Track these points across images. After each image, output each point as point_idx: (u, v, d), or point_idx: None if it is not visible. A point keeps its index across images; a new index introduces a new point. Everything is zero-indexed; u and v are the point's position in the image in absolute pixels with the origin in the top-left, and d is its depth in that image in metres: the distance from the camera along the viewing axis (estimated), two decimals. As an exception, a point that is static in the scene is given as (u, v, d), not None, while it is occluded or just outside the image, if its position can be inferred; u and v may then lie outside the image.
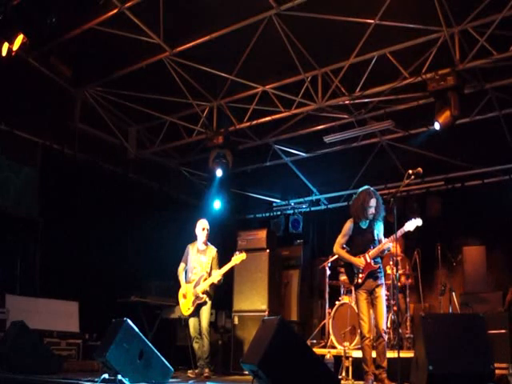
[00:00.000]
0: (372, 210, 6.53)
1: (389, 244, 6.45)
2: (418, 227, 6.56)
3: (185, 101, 9.71)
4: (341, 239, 6.74)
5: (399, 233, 6.49)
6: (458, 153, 10.07)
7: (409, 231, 6.56)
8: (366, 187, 6.72)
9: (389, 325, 8.34)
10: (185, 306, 7.96)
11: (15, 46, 7.33)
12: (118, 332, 6.17)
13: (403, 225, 6.54)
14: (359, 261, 6.51)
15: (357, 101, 9.02)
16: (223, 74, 9.11)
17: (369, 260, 6.49)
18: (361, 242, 6.61)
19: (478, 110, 8.99)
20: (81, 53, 8.67)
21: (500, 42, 7.43)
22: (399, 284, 9.04)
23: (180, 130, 10.59)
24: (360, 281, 6.50)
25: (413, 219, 6.56)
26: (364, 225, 6.64)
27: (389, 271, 8.63)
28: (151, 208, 10.87)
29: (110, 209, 9.92)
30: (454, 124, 7.93)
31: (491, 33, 7.36)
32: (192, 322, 7.96)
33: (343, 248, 6.75)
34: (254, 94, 9.52)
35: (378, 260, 6.57)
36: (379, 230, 6.65)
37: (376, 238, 6.60)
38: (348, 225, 6.71)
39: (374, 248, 6.53)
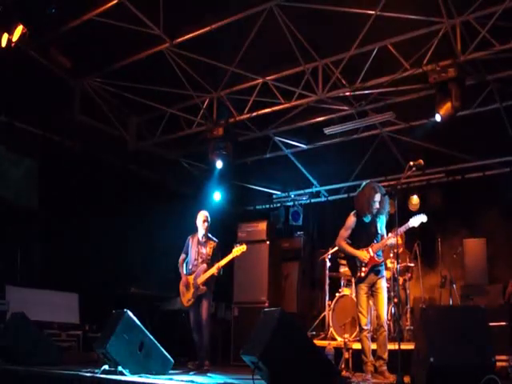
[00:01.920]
0: (377, 205, 6.52)
1: (392, 239, 6.44)
2: (419, 220, 6.59)
3: (185, 92, 9.68)
4: (344, 233, 6.73)
5: (403, 228, 6.50)
6: (458, 145, 10.05)
7: (413, 227, 6.58)
8: (369, 181, 6.71)
9: (389, 317, 8.35)
10: (185, 298, 7.96)
11: (15, 37, 7.30)
12: (118, 323, 6.19)
13: (407, 221, 6.55)
14: (363, 254, 6.51)
15: (357, 92, 8.99)
16: (223, 66, 9.08)
17: (372, 254, 6.49)
18: (364, 235, 6.61)
19: (479, 101, 8.97)
20: (80, 44, 8.61)
21: (502, 34, 7.39)
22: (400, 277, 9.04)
23: (180, 122, 10.56)
24: (363, 275, 6.50)
25: (417, 215, 6.57)
26: (367, 219, 6.63)
27: (389, 264, 8.62)
28: (151, 200, 10.86)
29: (109, 200, 9.91)
30: (455, 116, 7.92)
31: (493, 24, 7.32)
32: (192, 313, 7.97)
33: (345, 241, 6.75)
34: (254, 86, 9.48)
35: (380, 254, 6.57)
36: (382, 224, 6.65)
37: (379, 232, 6.59)
38: (351, 218, 6.69)
39: (376, 242, 6.53)
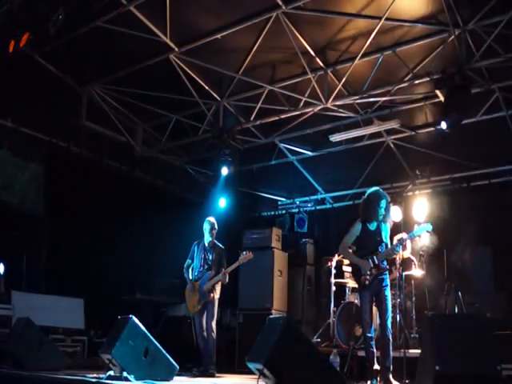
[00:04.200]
0: (382, 212, 6.53)
1: (397, 247, 6.44)
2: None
3: (191, 99, 9.70)
4: (347, 239, 6.71)
5: (409, 237, 6.50)
6: (464, 153, 10.03)
7: (418, 235, 6.58)
8: (375, 188, 6.71)
9: (394, 324, 8.32)
10: (191, 304, 7.98)
11: (22, 44, 7.33)
12: (123, 329, 6.18)
13: (413, 229, 6.55)
14: (365, 263, 6.50)
15: (363, 100, 9.01)
16: (229, 73, 9.10)
17: (377, 262, 6.47)
18: (369, 243, 6.59)
19: (484, 109, 8.97)
20: (87, 51, 8.66)
21: (507, 42, 7.41)
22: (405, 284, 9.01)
23: (186, 129, 10.60)
24: (367, 282, 6.48)
25: (422, 224, 6.57)
26: (372, 226, 6.62)
27: (394, 271, 8.60)
28: (156, 206, 10.86)
29: (115, 206, 9.91)
30: (461, 124, 7.92)
31: (498, 32, 7.34)
32: (198, 319, 7.98)
33: (349, 248, 6.74)
34: (260, 93, 9.50)
35: (385, 262, 6.56)
36: (386, 232, 6.65)
37: (384, 240, 6.58)
38: (356, 226, 6.68)
39: (381, 250, 6.52)
